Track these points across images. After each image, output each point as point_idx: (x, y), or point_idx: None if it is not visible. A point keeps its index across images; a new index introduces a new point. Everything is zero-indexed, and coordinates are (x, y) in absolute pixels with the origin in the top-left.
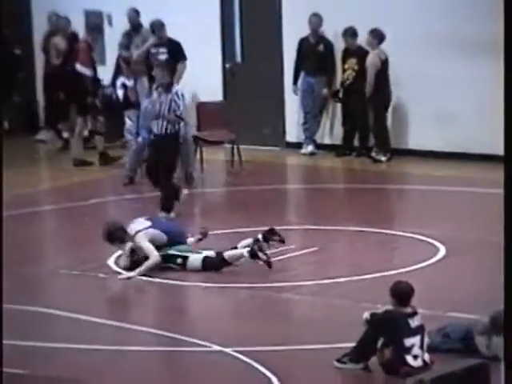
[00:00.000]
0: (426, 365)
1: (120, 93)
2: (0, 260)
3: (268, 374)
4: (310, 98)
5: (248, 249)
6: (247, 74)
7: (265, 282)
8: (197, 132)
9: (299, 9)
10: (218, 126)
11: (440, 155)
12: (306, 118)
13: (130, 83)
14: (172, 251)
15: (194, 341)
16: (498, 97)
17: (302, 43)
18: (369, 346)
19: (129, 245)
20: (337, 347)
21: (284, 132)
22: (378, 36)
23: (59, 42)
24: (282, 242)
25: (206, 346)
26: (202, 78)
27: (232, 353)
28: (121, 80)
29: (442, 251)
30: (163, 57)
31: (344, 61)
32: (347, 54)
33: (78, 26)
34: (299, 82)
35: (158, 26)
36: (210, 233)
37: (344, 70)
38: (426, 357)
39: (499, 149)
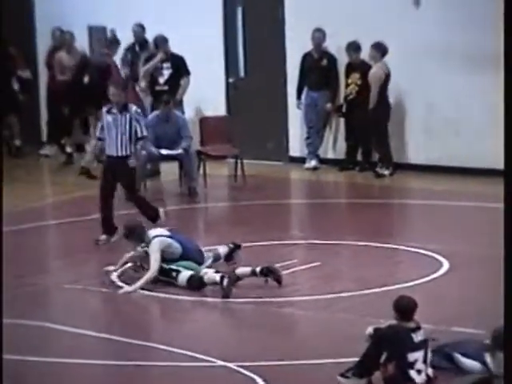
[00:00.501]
0: (429, 380)
1: None
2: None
3: None
4: (314, 112)
5: (259, 268)
6: (250, 88)
7: (268, 296)
8: (200, 147)
9: (302, 24)
10: (222, 141)
11: (442, 169)
12: (310, 132)
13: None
14: (173, 266)
15: (197, 355)
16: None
17: (306, 58)
18: (372, 361)
19: (140, 250)
20: (340, 362)
21: (287, 146)
22: (381, 49)
23: (63, 57)
24: (279, 282)
25: (208, 361)
26: (206, 93)
27: (235, 367)
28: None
29: (446, 266)
30: (168, 72)
31: (347, 75)
32: (350, 68)
33: (83, 41)
34: (302, 96)
35: (161, 41)
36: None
37: (347, 85)
38: (430, 371)
39: (501, 163)
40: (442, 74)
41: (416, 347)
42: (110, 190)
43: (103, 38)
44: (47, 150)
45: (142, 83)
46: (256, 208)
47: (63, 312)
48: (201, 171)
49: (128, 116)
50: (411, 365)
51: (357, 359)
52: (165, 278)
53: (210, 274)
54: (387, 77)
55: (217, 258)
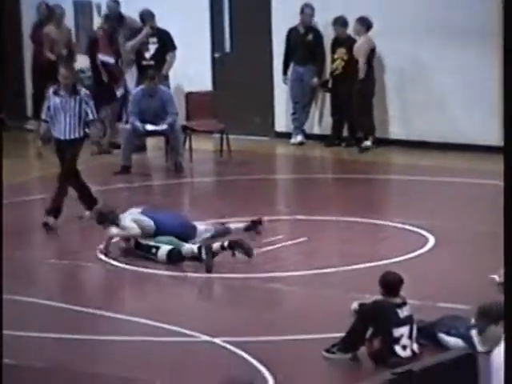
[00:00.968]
0: (414, 355)
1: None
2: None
3: (257, 364)
4: (300, 88)
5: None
6: (236, 63)
7: (253, 272)
8: (186, 122)
9: None
10: (207, 116)
11: (427, 145)
12: (295, 107)
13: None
14: (151, 242)
15: (183, 331)
16: (487, 87)
17: (291, 33)
18: (357, 336)
19: (115, 230)
20: (325, 337)
21: (273, 122)
22: (365, 24)
23: (52, 31)
24: (249, 255)
25: (194, 336)
26: (191, 68)
27: (220, 343)
28: (100, 58)
29: (431, 241)
30: (154, 46)
31: (333, 50)
32: (337, 43)
33: (68, 16)
34: (288, 71)
35: (147, 16)
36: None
37: (333, 60)
38: (415, 347)
39: (487, 139)
40: (427, 49)
41: (401, 323)
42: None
43: (98, 13)
44: (32, 125)
45: (127, 58)
46: (242, 183)
47: (44, 285)
48: (186, 146)
49: (78, 98)
50: (397, 340)
51: (342, 334)
52: (145, 253)
53: (187, 246)
54: (372, 51)
55: (220, 233)
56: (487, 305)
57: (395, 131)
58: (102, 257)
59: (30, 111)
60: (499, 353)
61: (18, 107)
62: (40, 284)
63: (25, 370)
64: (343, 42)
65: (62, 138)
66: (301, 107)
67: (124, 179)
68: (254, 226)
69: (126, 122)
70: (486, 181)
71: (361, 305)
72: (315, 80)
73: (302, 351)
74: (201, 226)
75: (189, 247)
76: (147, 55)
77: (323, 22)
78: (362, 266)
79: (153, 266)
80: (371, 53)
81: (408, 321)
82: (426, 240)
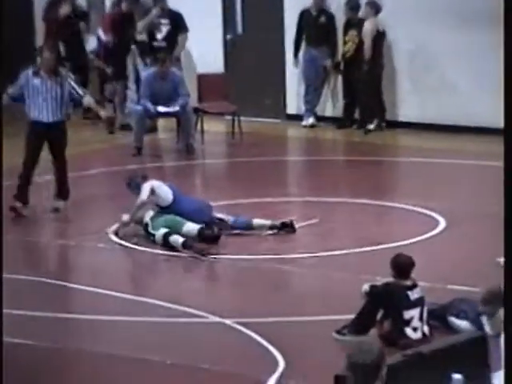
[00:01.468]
0: (425, 337)
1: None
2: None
3: (267, 344)
4: (312, 70)
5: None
6: (248, 45)
7: (265, 253)
8: (198, 103)
9: None
10: (219, 98)
11: (439, 128)
12: (307, 90)
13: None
14: (150, 223)
15: (194, 311)
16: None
17: (303, 15)
18: (368, 318)
19: (126, 217)
20: (336, 319)
21: (285, 104)
22: (374, 7)
23: (66, 11)
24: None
25: (205, 317)
26: (203, 50)
27: (231, 324)
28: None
29: (442, 224)
30: (166, 28)
31: (345, 33)
32: (348, 25)
33: None
34: (301, 53)
35: None
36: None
37: (345, 42)
38: (426, 329)
39: (498, 122)
40: (440, 32)
41: (412, 305)
42: (36, 156)
43: None
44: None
45: (140, 37)
46: (253, 165)
47: (56, 266)
48: (198, 128)
49: (58, 80)
50: (407, 322)
51: (353, 316)
52: (148, 234)
53: (188, 225)
54: (380, 34)
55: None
56: (496, 288)
57: (407, 114)
58: (114, 238)
59: None
60: None
61: None
62: (52, 265)
63: (37, 349)
64: (355, 24)
65: (46, 120)
66: (313, 89)
67: (136, 160)
68: (282, 229)
69: (138, 102)
70: (497, 163)
71: (372, 287)
72: (328, 62)
73: (313, 333)
74: (220, 215)
75: (190, 226)
76: (159, 36)
77: (335, 4)
78: (372, 248)
79: (163, 248)
80: (379, 36)
81: (419, 303)
82: (437, 222)
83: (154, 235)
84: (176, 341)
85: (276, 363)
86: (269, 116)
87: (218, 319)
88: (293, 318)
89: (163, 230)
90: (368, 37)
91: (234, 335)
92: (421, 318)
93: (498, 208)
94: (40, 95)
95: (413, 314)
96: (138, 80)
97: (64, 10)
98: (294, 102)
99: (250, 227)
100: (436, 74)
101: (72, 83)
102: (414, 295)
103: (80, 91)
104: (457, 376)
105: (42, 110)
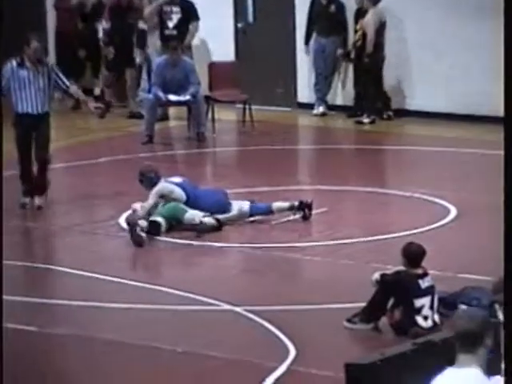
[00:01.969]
0: (435, 325)
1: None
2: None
3: (278, 332)
4: (322, 58)
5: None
6: (259, 34)
7: (275, 242)
8: (209, 92)
9: None
10: (230, 86)
11: (449, 116)
12: (318, 78)
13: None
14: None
15: (204, 299)
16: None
17: (314, 4)
18: (379, 307)
19: (138, 205)
20: (347, 307)
21: (295, 92)
22: None
23: None
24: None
25: (216, 305)
26: (214, 38)
27: (242, 312)
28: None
29: (453, 212)
30: (176, 16)
31: (356, 22)
32: (359, 14)
33: None
34: (311, 42)
35: None
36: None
37: (356, 31)
38: (436, 318)
39: None
40: (450, 21)
41: (423, 293)
42: (29, 149)
43: None
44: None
45: (147, 24)
46: (264, 153)
47: (68, 254)
48: (209, 116)
49: (45, 70)
50: (418, 310)
51: (364, 305)
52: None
53: (190, 213)
54: (381, 25)
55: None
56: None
57: (417, 103)
58: (125, 226)
59: None
60: None
61: None
62: (63, 253)
63: (50, 337)
64: (365, 13)
65: (35, 112)
66: (323, 78)
67: (147, 148)
68: (301, 208)
69: (149, 91)
70: None
71: (382, 275)
72: (339, 51)
73: (323, 321)
74: (237, 204)
75: (191, 214)
76: (170, 24)
77: None
78: (383, 236)
79: (175, 236)
80: (381, 27)
81: (429, 291)
82: (448, 211)
83: (154, 222)
84: (186, 329)
85: (287, 351)
86: (280, 104)
87: (228, 307)
88: (303, 306)
89: (159, 219)
90: (370, 29)
91: (245, 323)
92: (431, 307)
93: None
94: (27, 87)
95: (423, 302)
96: (149, 69)
97: None
98: (305, 90)
99: (269, 211)
100: (448, 63)
101: (58, 73)
102: (424, 284)
103: (66, 81)
104: None
105: (29, 102)
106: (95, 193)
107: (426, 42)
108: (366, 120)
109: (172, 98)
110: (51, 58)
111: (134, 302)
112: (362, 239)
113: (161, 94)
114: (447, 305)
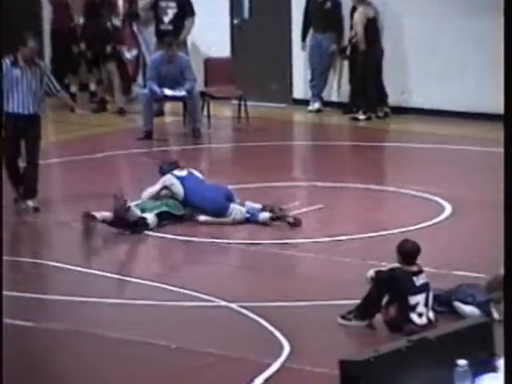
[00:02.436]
0: (430, 323)
1: None
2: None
3: (272, 329)
4: (318, 54)
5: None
6: (255, 30)
7: (270, 238)
8: (204, 88)
9: None
10: (226, 82)
11: (444, 113)
12: (314, 75)
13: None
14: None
15: (199, 295)
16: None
17: (310, 0)
18: (373, 304)
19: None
20: (341, 304)
21: (291, 89)
22: None
23: None
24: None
25: (211, 301)
26: (210, 34)
27: (237, 308)
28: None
29: (448, 210)
30: (172, 11)
31: (352, 18)
32: (355, 10)
33: None
34: (307, 38)
35: None
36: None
37: (351, 27)
38: (431, 315)
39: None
40: (448, 18)
41: (417, 290)
42: (17, 151)
43: None
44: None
45: (143, 18)
46: (259, 149)
47: (64, 250)
48: (205, 112)
49: (38, 72)
50: (412, 308)
51: (358, 301)
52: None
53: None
54: (371, 21)
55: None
56: (502, 274)
57: (414, 100)
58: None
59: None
60: None
61: None
62: (59, 248)
63: (46, 332)
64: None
65: (26, 112)
66: (319, 74)
67: (143, 144)
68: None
69: (144, 86)
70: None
71: (377, 272)
72: (333, 46)
73: (318, 317)
74: (235, 209)
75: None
76: (166, 20)
77: None
78: (378, 233)
79: (170, 232)
80: (370, 24)
81: (424, 288)
82: (443, 208)
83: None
84: (181, 325)
85: (281, 347)
86: (275, 101)
87: (223, 303)
88: (298, 302)
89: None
90: (358, 26)
91: (240, 319)
92: (426, 304)
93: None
94: (20, 86)
95: (418, 299)
96: (144, 65)
97: None
98: (301, 86)
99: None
100: (444, 60)
101: (50, 77)
102: (419, 281)
103: (57, 85)
104: (462, 362)
105: (21, 102)
106: (91, 188)
107: (423, 38)
108: (361, 117)
109: (168, 92)
110: (47, 54)
111: (128, 298)
112: (358, 236)
113: (156, 89)
114: (442, 302)
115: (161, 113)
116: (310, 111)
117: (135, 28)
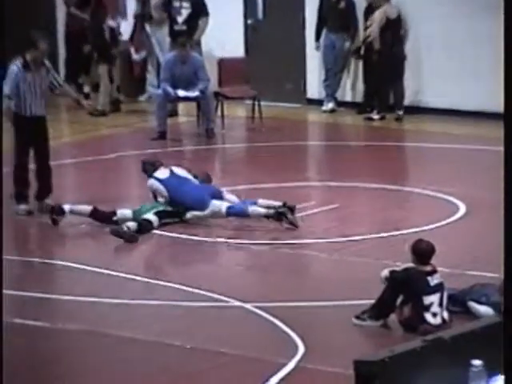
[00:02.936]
0: (444, 323)
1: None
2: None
3: (287, 329)
4: (332, 54)
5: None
6: (269, 30)
7: (285, 238)
8: (218, 88)
9: None
10: (239, 82)
11: (460, 113)
12: (328, 74)
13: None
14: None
15: (214, 296)
16: None
17: (324, 0)
18: (388, 304)
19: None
20: (356, 304)
21: (305, 89)
22: None
23: None
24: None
25: (225, 302)
26: (224, 34)
27: (251, 308)
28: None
29: (463, 209)
30: (186, 11)
31: (366, 18)
32: (370, 10)
33: None
34: (321, 38)
35: None
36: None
37: (366, 27)
38: (445, 315)
39: None
40: (461, 18)
41: (432, 290)
42: (28, 154)
43: None
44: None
45: (155, 17)
46: (273, 149)
47: (77, 250)
48: (218, 112)
49: (44, 71)
50: (427, 308)
51: (373, 301)
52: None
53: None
54: (393, 21)
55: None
56: None
57: (429, 100)
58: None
59: (62, 75)
60: None
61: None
62: (72, 249)
63: (61, 332)
64: (376, 9)
65: (38, 114)
66: (333, 74)
67: (157, 144)
68: (284, 212)
69: (158, 87)
70: None
71: (392, 272)
72: (347, 44)
73: (332, 317)
74: (216, 204)
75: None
76: (180, 20)
77: None
78: (392, 233)
79: (183, 232)
80: (392, 24)
81: (438, 288)
82: (457, 208)
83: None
84: (196, 325)
85: (296, 347)
86: (289, 100)
87: (237, 303)
88: (313, 302)
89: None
90: (374, 25)
91: (254, 320)
92: (440, 304)
93: None
94: (32, 89)
95: (432, 299)
96: (158, 65)
97: None
98: (315, 86)
99: (246, 215)
100: (458, 60)
101: (54, 73)
102: (433, 281)
103: (60, 80)
104: (477, 362)
105: (34, 105)
106: (103, 188)
107: (437, 38)
108: (375, 116)
109: (181, 93)
110: (61, 55)
111: (142, 299)
112: (372, 236)
113: (170, 90)
114: (456, 302)
115: (174, 113)
116: (324, 111)
117: (148, 29)
